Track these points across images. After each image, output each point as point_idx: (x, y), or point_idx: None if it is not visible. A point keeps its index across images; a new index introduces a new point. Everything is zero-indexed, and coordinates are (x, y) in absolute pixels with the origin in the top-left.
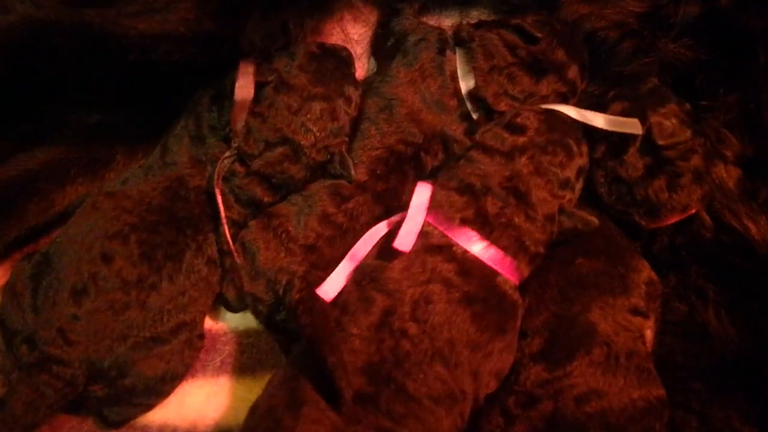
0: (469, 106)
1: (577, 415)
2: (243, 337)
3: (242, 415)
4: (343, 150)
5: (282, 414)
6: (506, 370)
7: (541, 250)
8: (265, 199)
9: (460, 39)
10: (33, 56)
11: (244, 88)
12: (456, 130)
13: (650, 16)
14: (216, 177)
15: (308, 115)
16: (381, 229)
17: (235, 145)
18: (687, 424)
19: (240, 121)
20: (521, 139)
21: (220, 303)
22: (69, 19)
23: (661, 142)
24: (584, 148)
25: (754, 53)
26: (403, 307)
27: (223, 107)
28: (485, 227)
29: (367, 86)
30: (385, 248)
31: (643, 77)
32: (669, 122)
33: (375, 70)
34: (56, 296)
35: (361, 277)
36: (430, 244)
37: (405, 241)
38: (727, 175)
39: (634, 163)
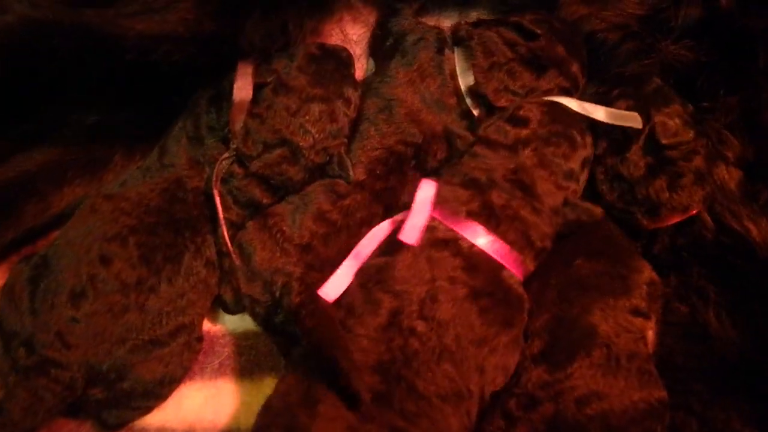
0: (469, 102)
1: (577, 417)
2: (241, 340)
3: (241, 417)
4: (342, 151)
5: (298, 411)
6: (512, 365)
7: (548, 244)
8: (264, 201)
9: (458, 38)
10: (31, 56)
11: (242, 89)
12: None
13: (650, 19)
14: (214, 178)
15: (307, 117)
16: (385, 227)
17: (234, 146)
18: (688, 426)
19: (238, 123)
20: (524, 132)
21: (218, 305)
22: (67, 19)
23: (664, 142)
24: (588, 140)
25: (754, 55)
26: (411, 306)
27: (222, 108)
28: (492, 220)
29: (366, 87)
30: (389, 245)
31: (646, 77)
32: (673, 122)
33: (374, 70)
34: (55, 299)
35: (366, 278)
36: (435, 239)
37: (411, 233)
38: (729, 176)
39: (636, 161)
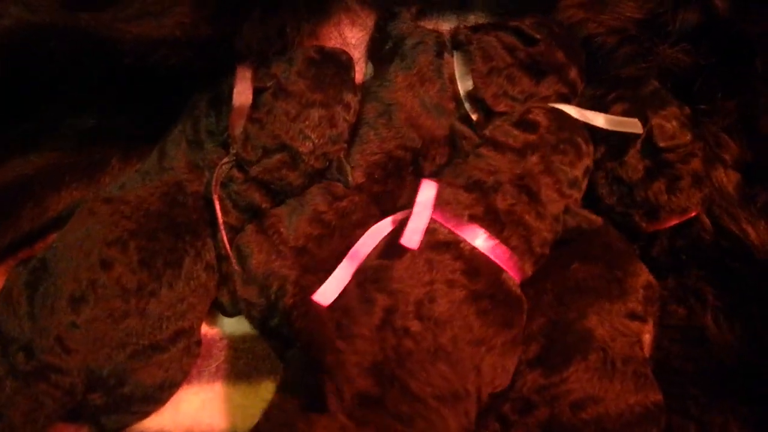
0: (467, 107)
1: (573, 422)
2: (239, 343)
3: (238, 420)
4: (342, 156)
5: (296, 420)
6: (512, 366)
7: (546, 251)
8: (264, 205)
9: (457, 42)
10: (27, 60)
11: (242, 93)
12: None
13: (648, 23)
14: (214, 183)
15: (306, 122)
16: (384, 227)
17: (234, 151)
18: (685, 430)
19: (238, 127)
20: (533, 137)
21: (215, 308)
22: (64, 22)
23: (662, 144)
24: (591, 148)
25: (752, 59)
26: (407, 306)
27: (221, 112)
28: (496, 224)
29: (366, 91)
30: (389, 246)
31: (643, 80)
32: (670, 125)
33: (372, 74)
34: (54, 303)
35: (363, 278)
36: (436, 241)
37: (412, 237)
38: (727, 179)
39: (635, 164)
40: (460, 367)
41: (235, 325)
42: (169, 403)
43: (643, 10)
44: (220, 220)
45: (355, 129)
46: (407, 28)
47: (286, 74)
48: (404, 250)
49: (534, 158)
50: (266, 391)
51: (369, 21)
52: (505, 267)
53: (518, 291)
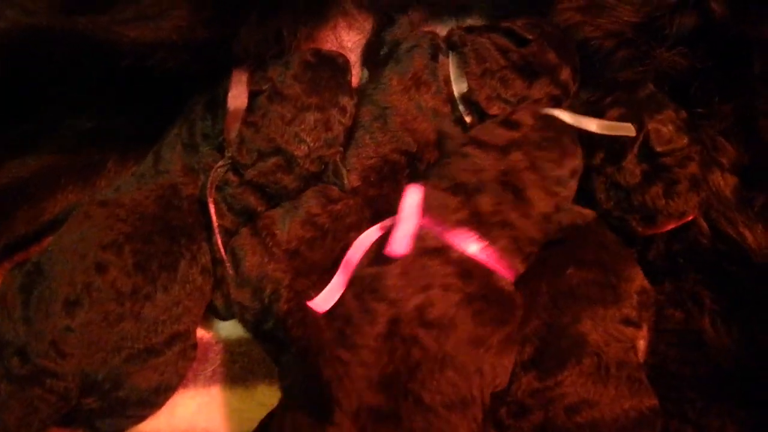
0: (461, 109)
1: (567, 426)
2: (234, 347)
3: (234, 424)
4: (337, 160)
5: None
6: (509, 364)
7: (535, 249)
8: (259, 209)
9: (452, 43)
10: (24, 63)
11: (237, 97)
12: None
13: (645, 26)
14: (209, 186)
15: (302, 126)
16: (372, 233)
17: (229, 154)
18: None
19: (233, 131)
20: (516, 134)
21: (210, 311)
22: (60, 26)
23: (658, 149)
24: (579, 151)
25: (749, 62)
26: (409, 314)
27: (217, 116)
28: (482, 227)
29: (361, 94)
30: (380, 254)
31: (639, 84)
32: (666, 129)
33: (367, 78)
34: (49, 307)
35: (360, 289)
36: (426, 248)
37: (399, 244)
38: (724, 182)
39: (632, 169)
40: (465, 372)
41: (231, 329)
42: (165, 407)
43: (640, 13)
44: (215, 223)
45: (351, 132)
46: (402, 33)
47: (282, 77)
48: (394, 257)
49: (517, 155)
50: (262, 394)
51: (366, 25)
52: (495, 268)
53: (511, 289)
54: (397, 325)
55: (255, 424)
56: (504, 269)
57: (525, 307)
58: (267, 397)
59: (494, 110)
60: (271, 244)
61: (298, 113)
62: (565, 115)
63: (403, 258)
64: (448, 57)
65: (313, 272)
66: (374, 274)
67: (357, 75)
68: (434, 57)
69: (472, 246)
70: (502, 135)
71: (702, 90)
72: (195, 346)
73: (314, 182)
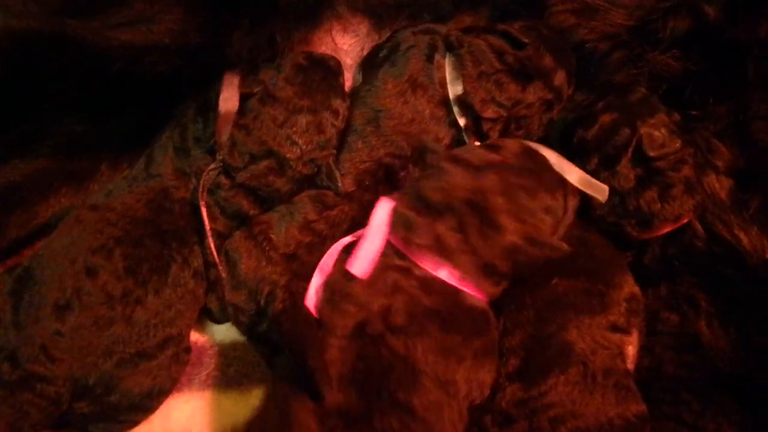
0: (456, 111)
1: None
2: (229, 350)
3: (228, 429)
4: (330, 162)
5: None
6: (487, 380)
7: (504, 272)
8: (251, 212)
9: (449, 44)
10: (15, 67)
11: (228, 100)
12: (444, 138)
13: (639, 29)
14: (201, 189)
15: (294, 128)
16: (345, 241)
17: (220, 157)
18: None
19: (224, 134)
20: (496, 157)
21: (204, 314)
22: (52, 29)
23: (651, 153)
24: (557, 192)
25: (743, 65)
26: (375, 316)
27: (208, 119)
28: (443, 251)
29: (354, 96)
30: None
31: (631, 87)
32: (659, 133)
33: (360, 80)
34: (39, 312)
35: (330, 293)
36: (390, 264)
37: (359, 266)
38: (719, 185)
39: (626, 174)
40: (438, 381)
41: (226, 333)
42: (159, 411)
43: (633, 16)
44: (207, 226)
45: (343, 136)
46: (403, 36)
47: (274, 80)
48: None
49: (492, 177)
50: (257, 398)
51: (360, 28)
52: (460, 288)
53: (480, 305)
54: (365, 326)
55: None
56: (470, 289)
57: (509, 321)
58: (262, 400)
59: (488, 113)
60: (267, 248)
61: (289, 116)
62: (551, 156)
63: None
64: (444, 58)
65: (312, 276)
66: (343, 281)
67: (351, 78)
68: (430, 59)
69: (433, 268)
70: (481, 155)
71: (696, 92)
72: (188, 349)
73: (307, 185)
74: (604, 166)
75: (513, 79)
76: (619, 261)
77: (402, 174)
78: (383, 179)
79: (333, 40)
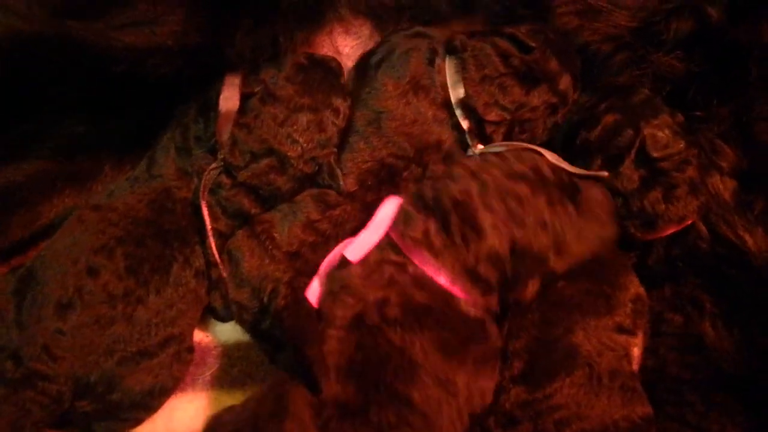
0: (458, 114)
1: None
2: (233, 350)
3: None
4: (332, 161)
5: (265, 423)
6: (488, 386)
7: (490, 282)
8: (252, 211)
9: (452, 48)
10: (19, 68)
11: (229, 99)
12: (447, 140)
13: (642, 31)
14: (202, 189)
15: (294, 126)
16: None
17: (221, 156)
18: None
19: (225, 133)
20: (506, 164)
21: (208, 312)
22: (54, 31)
23: (655, 155)
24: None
25: (745, 66)
26: (371, 307)
27: (209, 119)
28: (431, 250)
29: (355, 99)
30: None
31: (634, 89)
32: (662, 133)
33: (354, 81)
34: (41, 311)
35: (331, 285)
36: (386, 258)
37: (354, 251)
38: (723, 186)
39: (630, 175)
40: (437, 379)
41: (229, 333)
42: (162, 410)
43: (636, 18)
44: (209, 226)
45: (344, 137)
46: (397, 39)
47: (274, 79)
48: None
49: (485, 179)
50: None
51: (362, 30)
52: (452, 291)
53: (474, 313)
54: (363, 316)
55: None
56: (460, 294)
57: (515, 324)
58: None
59: (492, 116)
60: (270, 246)
61: (290, 114)
62: (550, 157)
63: (366, 262)
64: (444, 61)
65: (316, 274)
66: (343, 273)
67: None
68: (431, 62)
69: (426, 266)
70: (496, 162)
71: (699, 93)
72: (191, 349)
73: (308, 184)
74: (608, 167)
75: (517, 83)
76: (624, 262)
77: (405, 174)
78: (386, 179)
79: (335, 42)
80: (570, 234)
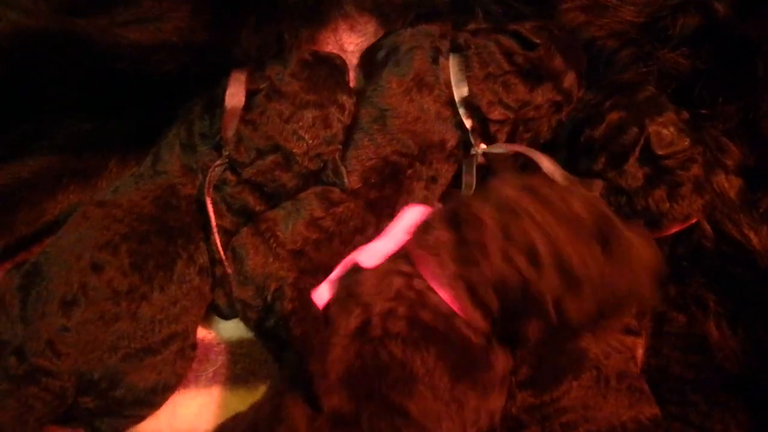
0: (462, 113)
1: None
2: (236, 347)
3: None
4: (336, 158)
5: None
6: (495, 409)
7: (490, 307)
8: (257, 208)
9: (457, 45)
10: (24, 64)
11: (234, 95)
12: (451, 139)
13: (648, 27)
14: (207, 185)
15: (300, 123)
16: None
17: (227, 153)
18: None
19: (230, 129)
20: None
21: (212, 310)
22: (60, 27)
23: (660, 152)
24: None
25: (753, 63)
26: (375, 318)
27: (215, 115)
28: (441, 263)
29: (360, 96)
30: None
31: (638, 86)
32: (667, 131)
33: (361, 80)
34: (45, 307)
35: (339, 291)
36: (398, 269)
37: (369, 257)
38: (728, 184)
39: (634, 173)
40: (436, 393)
41: (233, 330)
42: (166, 407)
43: (643, 14)
44: (213, 223)
45: (349, 134)
46: (401, 37)
47: (280, 76)
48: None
49: (515, 200)
50: None
51: (367, 27)
52: (453, 308)
53: (476, 339)
54: (367, 326)
55: None
56: (464, 314)
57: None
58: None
59: (495, 115)
60: (274, 244)
61: (296, 110)
62: (546, 162)
63: (377, 271)
64: (448, 59)
65: (320, 272)
66: (352, 280)
67: (356, 77)
68: (435, 60)
69: (432, 279)
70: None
71: (706, 91)
72: (194, 346)
73: (313, 181)
74: (612, 165)
75: (521, 81)
76: None
77: (409, 172)
78: (389, 177)
79: (339, 39)
80: (590, 282)
